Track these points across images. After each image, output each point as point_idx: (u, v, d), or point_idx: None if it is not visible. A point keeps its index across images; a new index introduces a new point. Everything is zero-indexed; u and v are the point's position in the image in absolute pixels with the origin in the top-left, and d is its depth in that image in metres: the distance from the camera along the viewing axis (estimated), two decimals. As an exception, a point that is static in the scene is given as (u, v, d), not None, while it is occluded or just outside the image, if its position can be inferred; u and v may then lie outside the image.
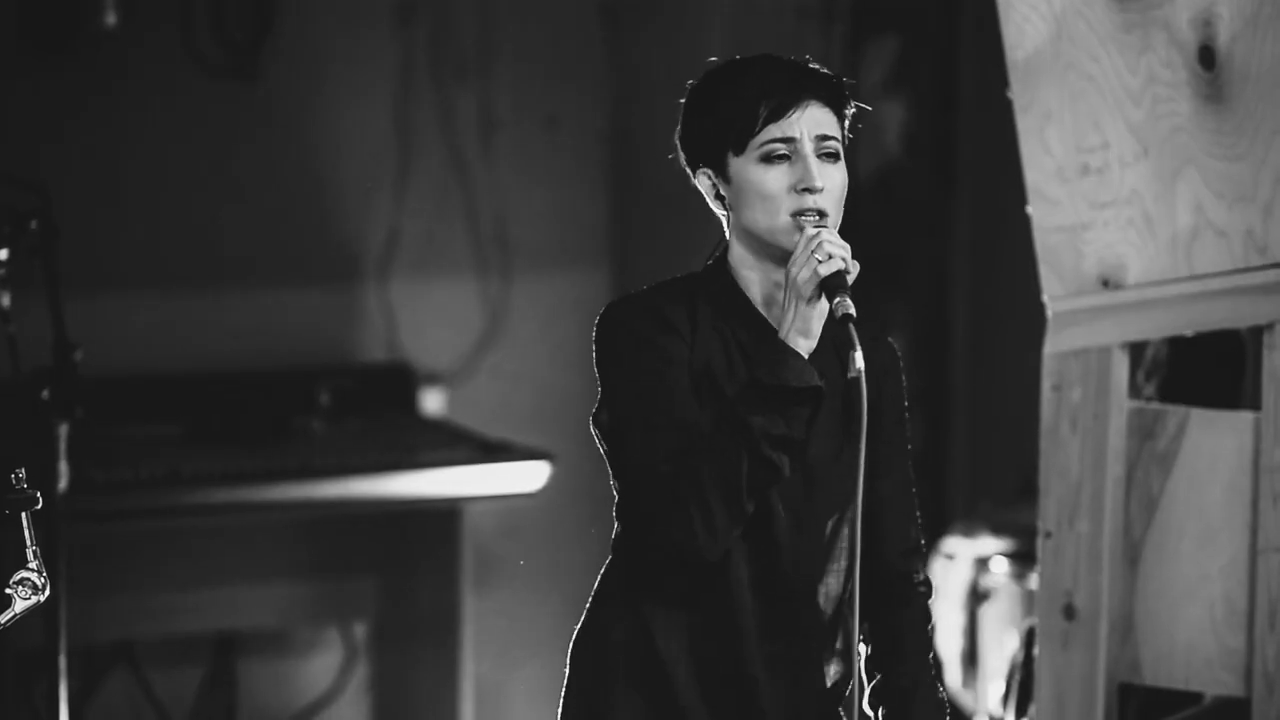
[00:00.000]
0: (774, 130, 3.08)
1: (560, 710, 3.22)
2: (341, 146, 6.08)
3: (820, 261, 3.01)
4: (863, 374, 2.97)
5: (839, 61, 6.16)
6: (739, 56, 3.19)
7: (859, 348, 2.97)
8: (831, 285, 3.01)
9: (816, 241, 3.02)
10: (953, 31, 6.44)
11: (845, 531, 3.18)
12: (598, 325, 3.14)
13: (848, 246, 3.04)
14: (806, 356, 3.04)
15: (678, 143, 3.20)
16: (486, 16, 6.19)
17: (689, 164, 3.19)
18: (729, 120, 3.10)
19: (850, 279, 3.03)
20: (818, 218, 3.07)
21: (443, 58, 6.17)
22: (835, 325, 3.04)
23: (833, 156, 3.11)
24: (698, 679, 3.12)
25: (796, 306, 3.03)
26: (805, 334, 3.04)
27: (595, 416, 3.14)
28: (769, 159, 3.08)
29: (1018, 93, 4.02)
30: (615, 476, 3.14)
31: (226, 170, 5.95)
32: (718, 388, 3.08)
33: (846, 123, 3.16)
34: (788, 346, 3.03)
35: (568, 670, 3.22)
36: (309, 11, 5.99)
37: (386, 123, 6.13)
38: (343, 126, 6.07)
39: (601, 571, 3.22)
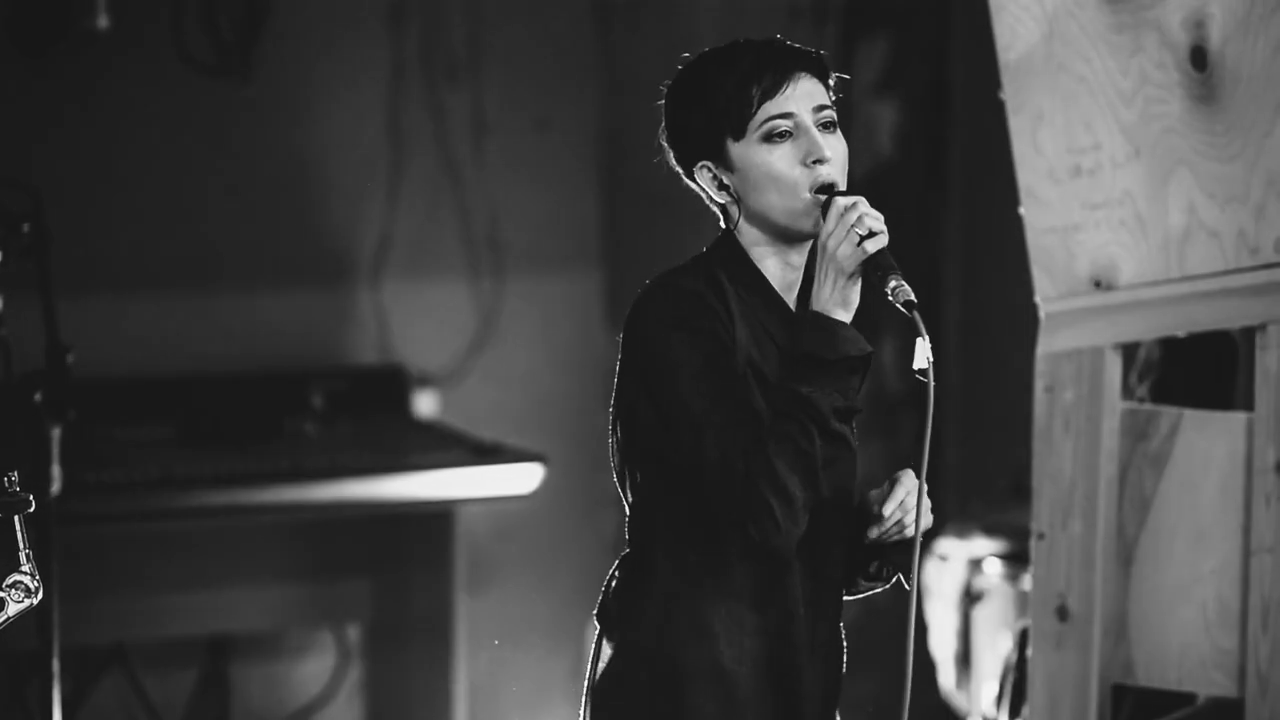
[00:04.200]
0: (771, 108, 3.06)
1: (594, 713, 3.14)
2: (333, 148, 6.08)
3: (862, 236, 2.98)
4: (931, 364, 2.95)
5: (830, 63, 6.15)
6: (707, 49, 3.15)
7: (927, 336, 2.95)
8: (879, 264, 2.99)
9: (855, 215, 2.99)
10: (944, 32, 6.44)
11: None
12: (636, 320, 3.05)
13: (882, 216, 3.01)
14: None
15: (665, 144, 3.15)
16: (477, 17, 6.19)
17: (682, 162, 3.14)
18: (723, 107, 3.06)
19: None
20: (832, 190, 3.04)
21: (434, 59, 6.17)
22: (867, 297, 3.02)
23: (831, 125, 3.09)
24: (755, 672, 3.08)
25: (836, 280, 2.99)
26: (844, 306, 3.00)
27: (626, 411, 3.06)
28: (771, 138, 3.05)
29: (1009, 94, 4.02)
30: (666, 478, 3.05)
31: (218, 171, 5.95)
32: (760, 372, 3.04)
33: (832, 93, 3.14)
34: (833, 318, 2.99)
35: (601, 684, 3.12)
36: (300, 12, 5.99)
37: (378, 124, 6.13)
38: (334, 128, 6.07)
39: (614, 585, 3.14)
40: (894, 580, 3.22)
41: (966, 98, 6.40)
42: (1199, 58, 3.83)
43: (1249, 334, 3.94)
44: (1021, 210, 4.04)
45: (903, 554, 3.14)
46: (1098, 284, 3.98)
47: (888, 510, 3.08)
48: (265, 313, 6.02)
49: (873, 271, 2.99)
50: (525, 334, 6.28)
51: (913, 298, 2.96)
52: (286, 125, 6.02)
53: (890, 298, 2.98)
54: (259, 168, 5.99)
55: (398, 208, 6.15)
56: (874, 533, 3.10)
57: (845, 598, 3.22)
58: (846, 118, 3.18)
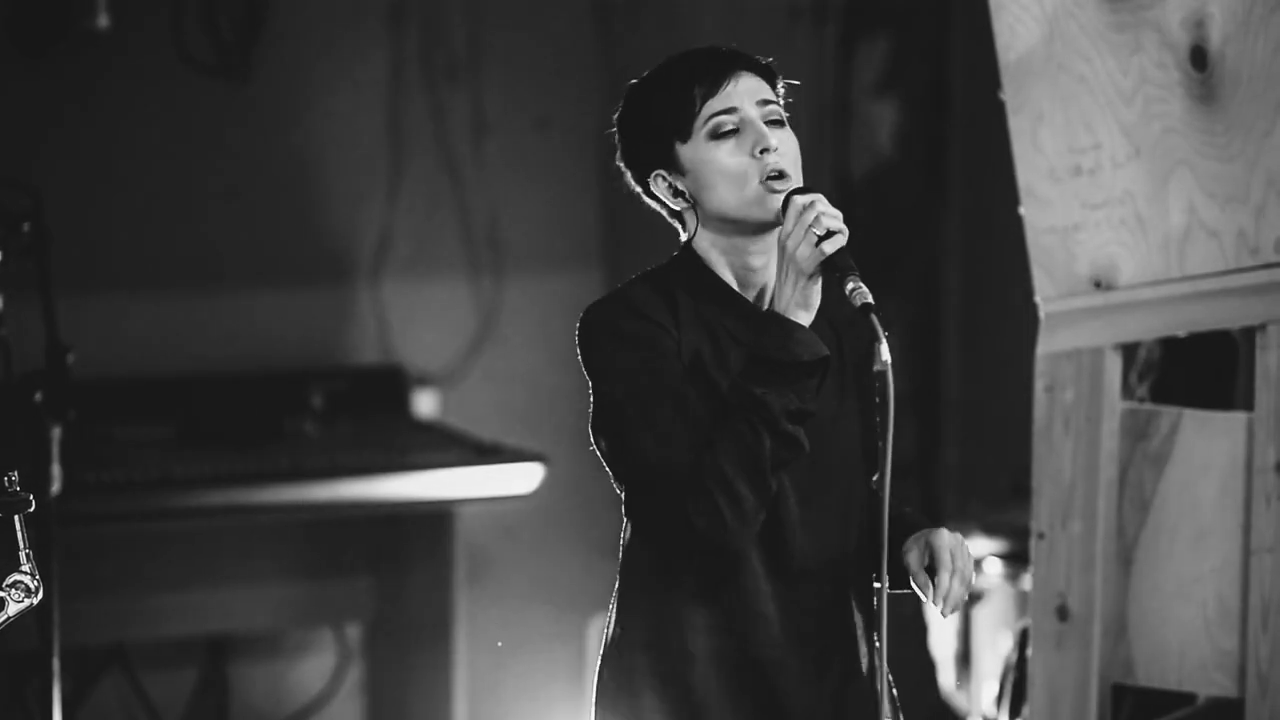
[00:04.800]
0: (714, 105, 3.08)
1: (595, 715, 3.19)
2: (333, 148, 6.08)
3: (820, 236, 2.98)
4: (889, 366, 2.95)
5: (830, 62, 6.15)
6: (652, 69, 3.19)
7: (884, 339, 2.95)
8: (837, 264, 2.99)
9: (812, 214, 2.99)
10: (944, 32, 6.44)
11: (855, 504, 3.18)
12: (580, 330, 3.11)
13: (840, 214, 3.01)
14: (807, 327, 3.02)
15: (621, 164, 3.20)
16: (477, 17, 6.19)
17: (638, 177, 3.18)
18: (667, 111, 3.10)
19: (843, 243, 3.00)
20: (782, 178, 3.05)
21: (434, 58, 6.17)
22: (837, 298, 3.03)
23: (778, 122, 3.11)
24: (719, 672, 3.09)
25: (796, 281, 3.00)
26: (805, 307, 3.01)
27: (593, 424, 3.10)
28: (717, 135, 3.08)
29: (1009, 93, 4.02)
30: (623, 480, 3.10)
31: (218, 171, 5.95)
32: (710, 377, 3.05)
33: (781, 95, 3.15)
34: (791, 320, 3.00)
35: (597, 676, 3.19)
36: (300, 12, 5.99)
37: (378, 124, 6.13)
38: (334, 128, 6.07)
39: (619, 575, 3.19)
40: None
41: (966, 98, 6.40)
42: (1199, 58, 3.83)
43: (1249, 334, 3.94)
44: (1021, 210, 4.04)
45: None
46: (1098, 284, 3.98)
47: (942, 585, 3.06)
48: (265, 312, 6.02)
49: (830, 273, 2.99)
50: (525, 333, 6.28)
51: (870, 300, 2.96)
52: (286, 125, 6.02)
53: (848, 299, 2.97)
54: (259, 168, 5.99)
55: (398, 208, 6.15)
56: (940, 605, 3.08)
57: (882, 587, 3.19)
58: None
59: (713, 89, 3.08)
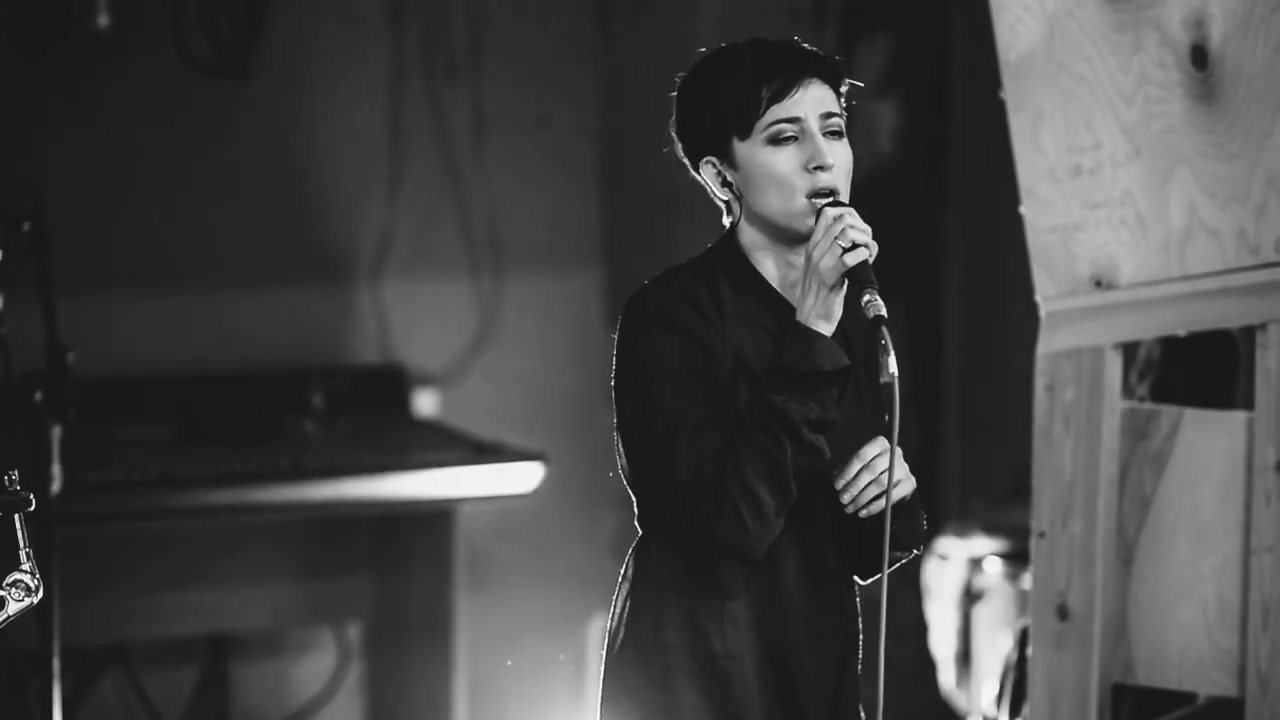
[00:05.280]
0: (779, 111, 3.08)
1: (601, 715, 3.18)
2: (333, 147, 6.08)
3: (845, 249, 2.99)
4: (896, 379, 2.96)
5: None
6: (725, 44, 3.17)
7: (893, 352, 2.96)
8: (858, 276, 3.00)
9: (840, 227, 3.00)
10: (944, 32, 6.44)
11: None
12: (626, 318, 3.10)
13: (869, 229, 3.03)
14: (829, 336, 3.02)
15: (674, 135, 3.18)
16: (477, 17, 6.19)
17: (689, 155, 3.17)
18: (731, 105, 3.09)
19: (871, 258, 3.01)
20: (831, 196, 3.06)
21: (434, 58, 6.17)
22: (851, 306, 3.03)
23: (837, 134, 3.12)
24: (753, 667, 3.11)
25: (818, 291, 3.01)
26: (826, 318, 3.02)
27: (616, 406, 3.09)
28: (776, 140, 3.08)
29: (1010, 93, 4.02)
30: (642, 480, 3.10)
31: (218, 171, 5.95)
32: (752, 372, 3.07)
33: (843, 100, 3.15)
34: (812, 330, 3.00)
35: (605, 675, 3.17)
36: (300, 12, 5.99)
37: (378, 123, 6.12)
38: (334, 127, 6.07)
39: (626, 573, 3.19)
40: (916, 547, 3.23)
41: (966, 98, 6.40)
42: (1199, 57, 3.83)
43: (1249, 333, 3.94)
44: (1022, 209, 4.04)
45: (905, 519, 3.15)
46: (1098, 283, 3.98)
47: (851, 469, 3.06)
48: (266, 312, 6.02)
49: (851, 283, 3.02)
50: (525, 333, 6.28)
51: (883, 313, 2.98)
52: (286, 125, 6.02)
53: (865, 312, 2.99)
54: (259, 167, 5.99)
55: (398, 208, 6.15)
56: (846, 498, 3.08)
57: (869, 580, 3.20)
58: (849, 96, 3.20)
59: (781, 94, 3.08)
